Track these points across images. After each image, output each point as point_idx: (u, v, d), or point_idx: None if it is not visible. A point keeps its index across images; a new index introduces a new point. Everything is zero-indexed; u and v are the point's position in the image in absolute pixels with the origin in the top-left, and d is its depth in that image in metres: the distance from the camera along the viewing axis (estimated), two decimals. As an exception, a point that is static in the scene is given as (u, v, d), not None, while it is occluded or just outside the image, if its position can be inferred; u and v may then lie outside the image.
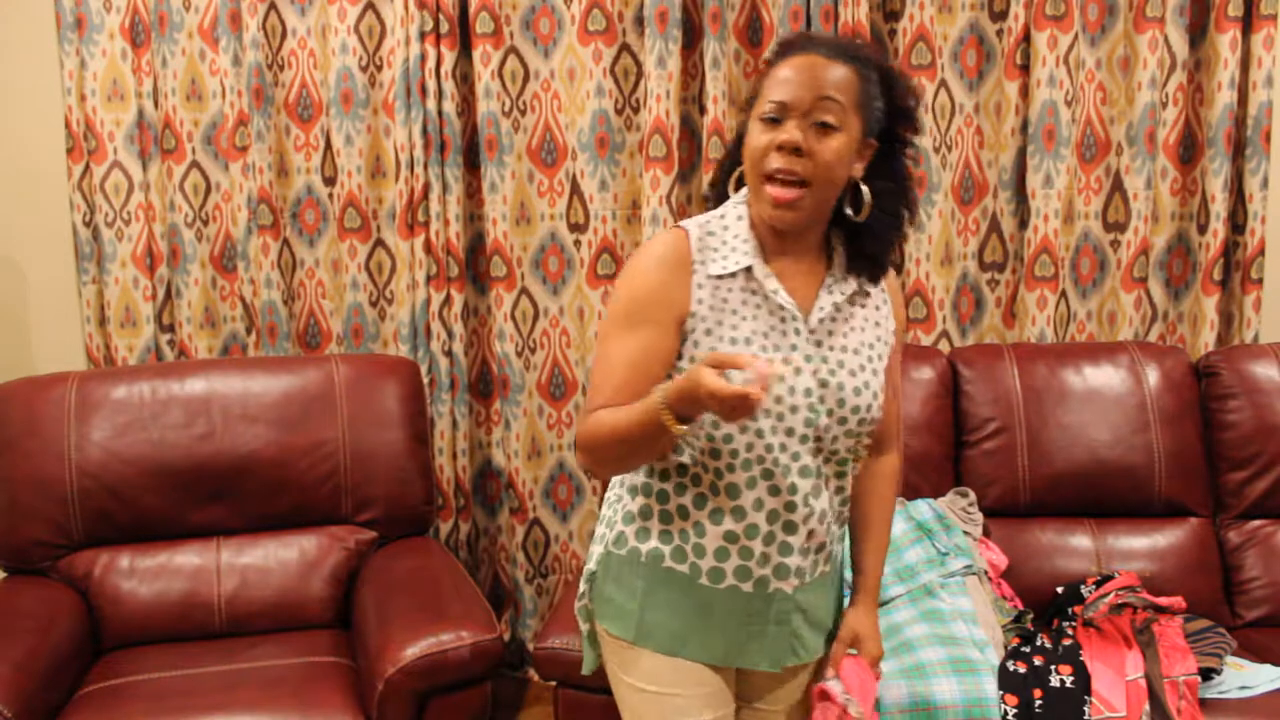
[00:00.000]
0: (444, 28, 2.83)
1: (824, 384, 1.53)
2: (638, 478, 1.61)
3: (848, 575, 2.49)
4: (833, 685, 1.59)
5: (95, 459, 2.49)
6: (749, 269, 1.54)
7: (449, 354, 2.98)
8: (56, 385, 2.55)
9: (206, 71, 2.93)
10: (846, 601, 1.75)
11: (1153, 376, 2.62)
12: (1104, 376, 2.63)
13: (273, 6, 2.89)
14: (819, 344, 1.55)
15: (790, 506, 1.54)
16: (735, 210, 1.59)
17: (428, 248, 2.91)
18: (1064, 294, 2.90)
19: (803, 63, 1.50)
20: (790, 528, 1.55)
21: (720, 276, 1.54)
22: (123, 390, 2.55)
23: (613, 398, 1.49)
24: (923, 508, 2.52)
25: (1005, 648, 2.24)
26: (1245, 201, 2.81)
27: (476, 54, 2.87)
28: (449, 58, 2.85)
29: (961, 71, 2.86)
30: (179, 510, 2.53)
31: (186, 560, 2.51)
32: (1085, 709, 2.07)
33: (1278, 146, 2.81)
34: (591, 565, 1.68)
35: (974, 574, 2.39)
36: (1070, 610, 2.40)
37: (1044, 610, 2.46)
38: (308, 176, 2.98)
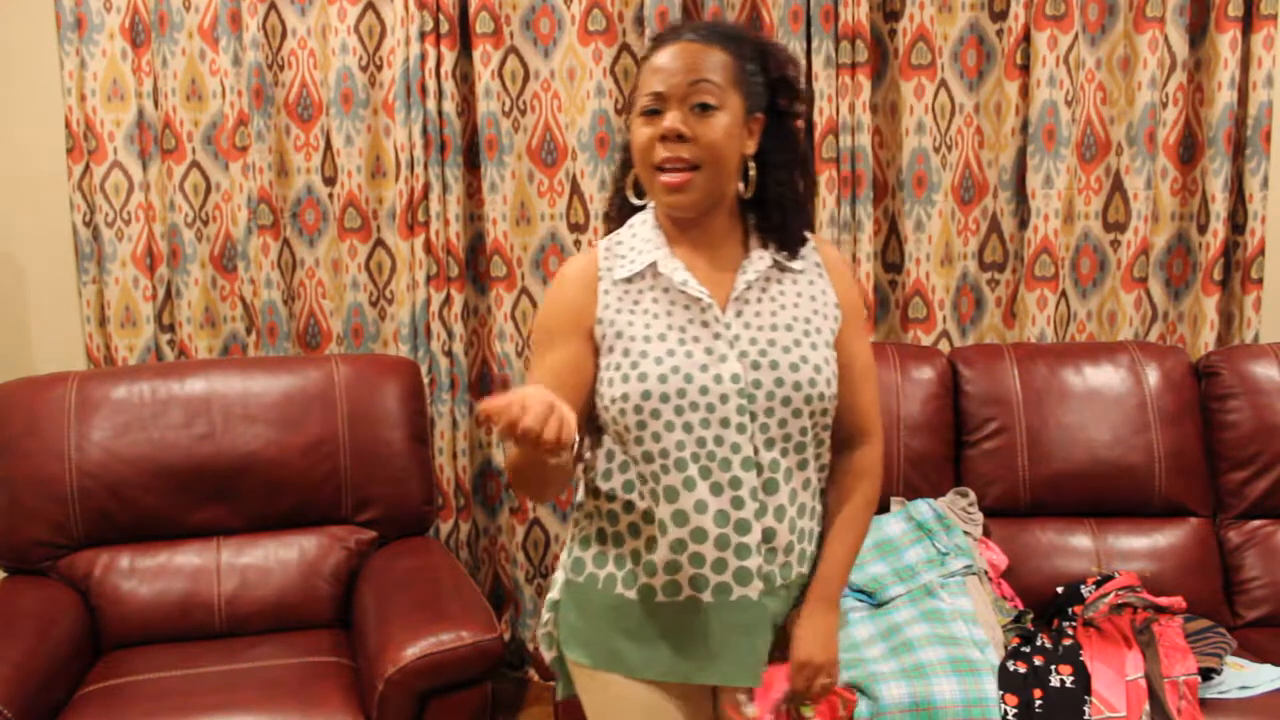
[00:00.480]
0: (444, 28, 2.83)
1: (755, 365, 1.48)
2: (590, 501, 1.58)
3: (853, 578, 2.49)
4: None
5: (95, 459, 2.49)
6: (655, 266, 1.52)
7: (449, 354, 2.98)
8: (56, 385, 2.55)
9: (206, 71, 2.93)
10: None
11: (1153, 376, 2.62)
12: (1104, 376, 2.63)
13: (273, 6, 2.89)
14: (746, 326, 1.51)
15: (737, 503, 1.47)
16: (642, 217, 1.58)
17: (428, 248, 2.91)
18: (1064, 294, 2.90)
19: (673, 50, 1.49)
20: (742, 527, 1.47)
21: (629, 279, 1.53)
22: (123, 390, 2.55)
23: None
24: (923, 508, 2.52)
25: (1005, 648, 2.24)
26: (1245, 201, 2.81)
27: (476, 54, 2.87)
28: (449, 58, 2.84)
29: (961, 71, 2.86)
30: (179, 510, 2.53)
31: (186, 560, 2.51)
32: (1085, 709, 2.07)
33: (1278, 146, 2.81)
34: (554, 593, 1.64)
35: (974, 574, 2.39)
36: (1070, 610, 2.40)
37: (1044, 610, 2.46)
38: (308, 176, 2.98)
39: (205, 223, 3.01)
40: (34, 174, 2.93)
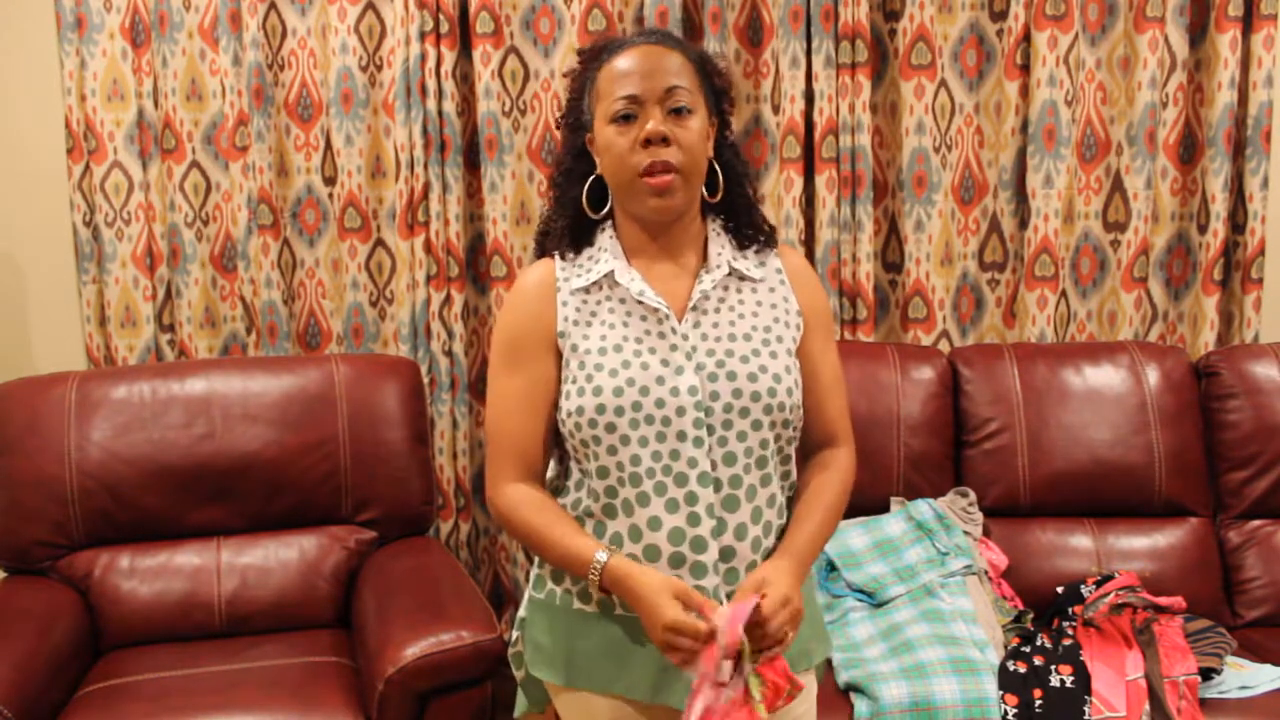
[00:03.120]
0: (444, 28, 2.83)
1: (712, 377, 1.44)
2: None
3: (853, 578, 2.49)
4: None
5: (95, 459, 2.49)
6: (613, 275, 1.50)
7: (449, 354, 2.98)
8: (56, 385, 2.55)
9: (206, 71, 2.93)
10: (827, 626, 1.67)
11: (1153, 376, 2.62)
12: (1104, 376, 2.63)
13: (273, 6, 2.89)
14: (704, 336, 1.48)
15: (693, 520, 1.42)
16: (599, 227, 1.57)
17: (428, 248, 2.91)
18: (1064, 294, 2.90)
19: (638, 54, 1.47)
20: (698, 545, 1.43)
21: (586, 289, 1.51)
22: (123, 390, 2.55)
23: (515, 443, 1.49)
24: (923, 508, 2.52)
25: (1005, 648, 2.24)
26: (1245, 201, 2.81)
27: (476, 54, 2.87)
28: (449, 58, 2.84)
29: (961, 71, 2.86)
30: (179, 510, 2.53)
31: (186, 560, 2.51)
32: (1085, 709, 2.07)
33: (1278, 146, 2.82)
34: (521, 612, 1.62)
35: (974, 574, 2.39)
36: (1070, 610, 2.40)
37: (1044, 610, 2.46)
38: (308, 176, 2.98)
39: (205, 223, 3.01)
40: (34, 174, 2.93)
